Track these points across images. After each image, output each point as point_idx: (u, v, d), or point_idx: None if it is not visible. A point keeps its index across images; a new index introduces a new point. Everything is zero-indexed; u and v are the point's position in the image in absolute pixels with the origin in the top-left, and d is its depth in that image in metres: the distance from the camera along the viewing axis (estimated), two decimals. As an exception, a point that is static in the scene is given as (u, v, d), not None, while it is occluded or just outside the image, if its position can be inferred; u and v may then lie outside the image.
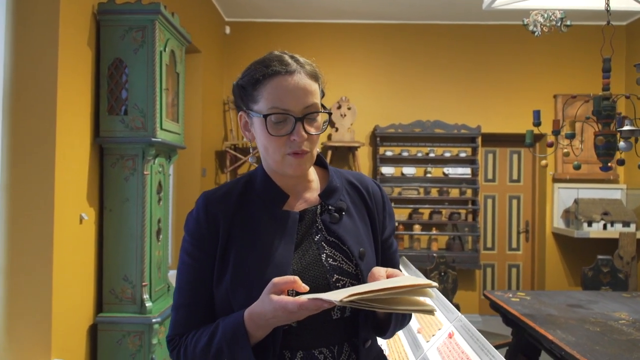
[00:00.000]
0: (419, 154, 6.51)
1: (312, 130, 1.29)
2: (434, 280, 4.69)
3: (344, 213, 1.38)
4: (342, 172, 1.49)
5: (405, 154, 6.50)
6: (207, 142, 5.70)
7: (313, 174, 1.45)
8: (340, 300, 1.05)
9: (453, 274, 4.79)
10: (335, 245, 1.34)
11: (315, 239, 1.34)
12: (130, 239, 3.19)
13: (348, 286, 1.29)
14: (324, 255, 1.32)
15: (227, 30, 6.53)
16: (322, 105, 1.35)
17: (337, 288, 1.27)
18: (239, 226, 1.32)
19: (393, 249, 1.49)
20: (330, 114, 1.35)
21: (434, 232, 6.48)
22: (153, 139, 3.16)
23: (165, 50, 3.33)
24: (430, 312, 1.12)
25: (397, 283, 1.10)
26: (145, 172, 3.20)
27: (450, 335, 2.30)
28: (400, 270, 1.52)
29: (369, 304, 1.08)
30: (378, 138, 6.45)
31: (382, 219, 1.45)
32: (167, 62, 3.36)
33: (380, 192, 1.48)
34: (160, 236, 3.48)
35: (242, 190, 1.38)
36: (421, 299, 1.13)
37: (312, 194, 1.41)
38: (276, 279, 1.16)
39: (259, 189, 1.37)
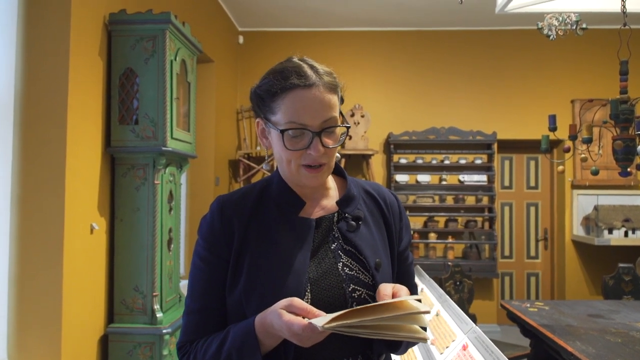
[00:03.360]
0: (434, 161, 6.45)
1: (330, 143, 1.26)
2: (449, 290, 4.62)
3: (360, 222, 1.35)
4: (359, 181, 1.47)
5: (419, 161, 6.44)
6: (220, 151, 5.69)
7: (331, 181, 1.43)
8: (322, 326, 1.03)
9: (469, 283, 4.70)
10: (351, 255, 1.31)
11: (332, 247, 1.32)
12: (141, 249, 3.17)
13: (364, 297, 1.27)
14: (340, 264, 1.29)
15: (241, 39, 6.54)
16: (341, 114, 1.33)
17: (353, 298, 1.26)
18: (254, 231, 1.29)
19: (409, 261, 1.47)
20: (348, 127, 1.33)
21: (449, 240, 6.40)
22: (163, 148, 3.14)
23: (176, 59, 3.31)
24: (422, 340, 1.09)
25: (388, 310, 1.07)
26: (156, 182, 3.18)
27: (465, 347, 2.24)
28: (415, 283, 1.49)
29: (354, 330, 1.05)
30: (392, 145, 6.41)
31: (399, 230, 1.43)
32: (177, 71, 3.34)
33: (397, 203, 1.46)
34: (172, 246, 3.45)
35: (258, 195, 1.35)
36: (414, 326, 1.09)
37: (330, 202, 1.38)
38: (297, 301, 1.13)
39: (275, 194, 1.35)
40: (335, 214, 1.36)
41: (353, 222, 1.34)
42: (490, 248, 6.36)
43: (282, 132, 1.24)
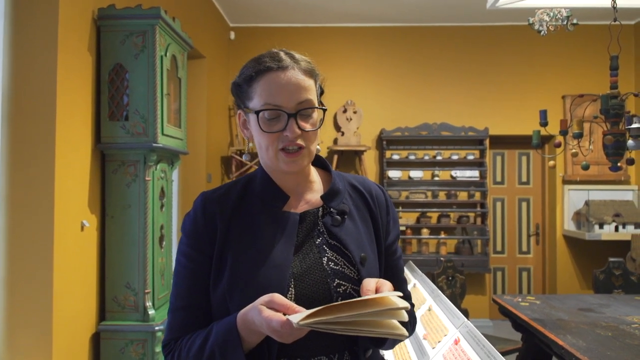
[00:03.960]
0: (426, 157, 6.46)
1: (307, 127, 1.26)
2: (442, 285, 4.62)
3: (346, 216, 1.34)
4: (344, 175, 1.46)
5: (412, 157, 6.45)
6: (212, 147, 5.68)
7: (315, 175, 1.41)
8: (297, 323, 1.02)
9: (461, 278, 4.71)
10: (337, 249, 1.30)
11: (317, 242, 1.31)
12: (132, 246, 3.16)
13: (349, 291, 1.26)
14: (325, 259, 1.28)
15: (232, 35, 6.52)
16: (320, 102, 1.33)
17: (338, 293, 1.25)
18: (237, 227, 1.29)
19: (397, 255, 1.45)
20: (325, 110, 1.32)
21: (442, 235, 6.43)
22: (154, 145, 3.12)
23: (166, 55, 3.30)
24: (401, 336, 1.09)
25: (366, 306, 1.05)
26: (147, 178, 3.17)
27: (456, 342, 2.24)
28: (404, 277, 1.49)
29: (331, 327, 1.03)
30: (384, 141, 6.41)
31: (386, 224, 1.42)
32: (168, 67, 3.33)
33: (384, 196, 1.44)
34: (164, 243, 3.44)
35: (242, 190, 1.35)
36: (393, 321, 1.09)
37: (314, 196, 1.37)
38: (277, 297, 1.12)
39: (259, 189, 1.34)
40: (320, 209, 1.35)
41: (338, 217, 1.33)
42: (483, 243, 6.37)
43: (258, 113, 1.24)
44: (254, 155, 5.96)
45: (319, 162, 1.45)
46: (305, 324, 1.02)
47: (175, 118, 3.61)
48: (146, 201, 3.17)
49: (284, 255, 1.24)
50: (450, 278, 4.74)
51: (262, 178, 1.35)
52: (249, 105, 1.28)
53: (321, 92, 1.36)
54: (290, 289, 1.22)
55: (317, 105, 1.29)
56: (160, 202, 3.40)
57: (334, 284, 1.25)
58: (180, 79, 3.67)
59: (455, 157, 6.44)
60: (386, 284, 1.19)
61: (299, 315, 1.05)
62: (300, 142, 1.25)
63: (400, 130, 6.42)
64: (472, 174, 6.43)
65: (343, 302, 1.06)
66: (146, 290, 3.15)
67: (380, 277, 1.34)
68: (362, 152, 6.29)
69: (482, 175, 6.38)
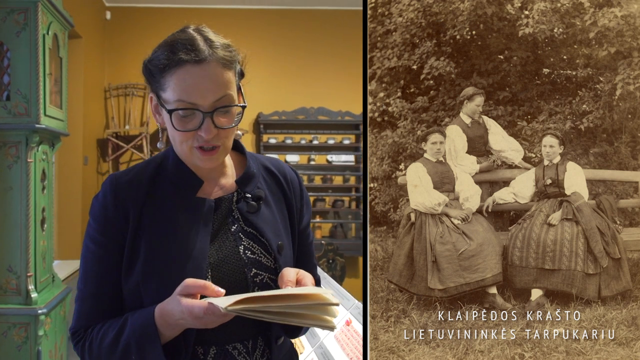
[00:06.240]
0: (303, 142, 6.58)
1: (224, 123, 1.17)
2: (322, 268, 4.78)
3: (261, 202, 1.28)
4: (258, 157, 1.40)
5: (289, 141, 6.56)
6: (88, 130, 5.55)
7: (228, 158, 1.34)
8: (225, 308, 1.00)
9: (341, 261, 4.89)
10: (253, 237, 1.26)
11: (232, 230, 1.26)
12: (14, 229, 3.09)
13: (266, 281, 1.24)
14: (241, 248, 1.24)
15: (108, 15, 6.32)
16: (239, 89, 1.26)
17: (255, 283, 1.23)
18: (150, 213, 1.22)
19: (310, 239, 1.43)
20: (244, 107, 1.24)
21: (317, 219, 6.56)
22: (37, 125, 3.07)
23: (48, 33, 3.23)
24: (330, 328, 1.06)
25: (297, 299, 1.04)
26: (29, 160, 3.10)
27: (348, 323, 2.34)
28: (315, 262, 1.48)
29: (259, 314, 1.02)
30: (261, 125, 6.48)
31: (300, 207, 1.38)
32: (50, 46, 3.26)
33: (297, 179, 1.41)
34: (45, 225, 3.37)
35: (153, 174, 1.26)
36: (321, 314, 1.06)
37: (228, 180, 1.31)
38: (188, 281, 1.09)
39: (172, 173, 1.26)
40: (235, 194, 1.28)
41: (254, 203, 1.27)
42: (357, 227, 6.57)
43: (171, 112, 1.15)
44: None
45: (233, 144, 1.34)
46: (234, 310, 1.00)
47: (56, 99, 3.54)
48: (28, 183, 3.10)
49: (200, 246, 1.19)
50: (330, 261, 4.90)
51: (174, 162, 1.26)
52: (161, 95, 1.18)
53: (242, 76, 1.29)
54: (207, 279, 1.18)
55: (235, 98, 1.21)
56: (42, 184, 3.33)
57: (251, 274, 1.23)
58: (61, 58, 3.59)
59: (331, 142, 6.59)
60: (307, 276, 1.17)
61: (224, 300, 1.03)
62: (215, 142, 1.17)
63: (278, 114, 6.50)
64: (348, 158, 6.63)
65: (274, 293, 1.04)
66: (28, 274, 3.09)
67: (294, 263, 1.32)
68: (239, 135, 6.33)
69: (358, 160, 6.60)
